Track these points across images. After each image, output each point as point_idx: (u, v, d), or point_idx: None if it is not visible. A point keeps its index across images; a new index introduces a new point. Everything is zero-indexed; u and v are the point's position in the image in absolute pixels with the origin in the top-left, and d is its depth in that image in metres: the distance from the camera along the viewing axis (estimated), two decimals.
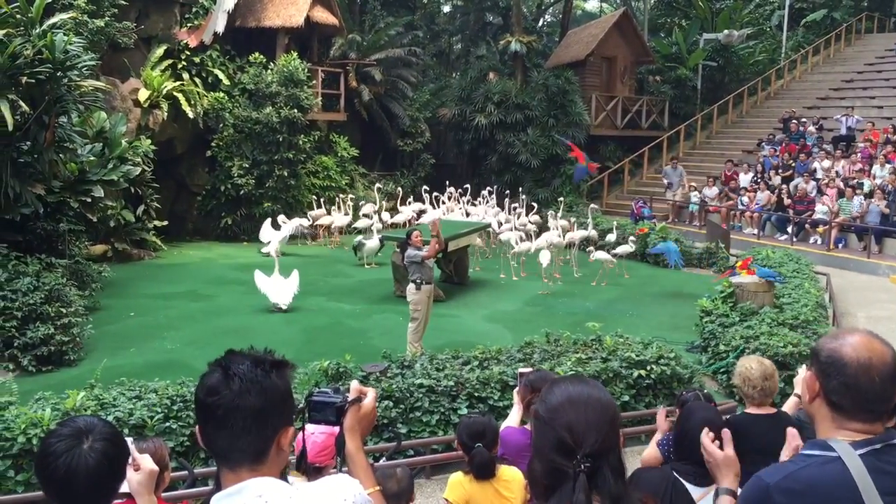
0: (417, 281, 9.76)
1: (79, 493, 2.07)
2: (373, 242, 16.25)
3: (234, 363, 1.76)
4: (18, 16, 10.94)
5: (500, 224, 18.29)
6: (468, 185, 21.01)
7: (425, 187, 20.91)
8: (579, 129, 23.75)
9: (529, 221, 18.02)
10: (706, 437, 2.54)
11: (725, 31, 27.15)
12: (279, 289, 12.72)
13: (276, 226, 17.49)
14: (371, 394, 2.13)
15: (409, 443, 6.88)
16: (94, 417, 2.26)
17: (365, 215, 19.04)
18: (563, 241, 16.26)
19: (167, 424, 6.44)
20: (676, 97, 26.98)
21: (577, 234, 17.02)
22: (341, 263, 17.01)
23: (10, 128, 10.04)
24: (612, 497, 1.75)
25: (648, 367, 8.14)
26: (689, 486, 3.03)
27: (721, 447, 2.49)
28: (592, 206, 19.05)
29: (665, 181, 22.35)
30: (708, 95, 27.43)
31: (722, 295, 11.36)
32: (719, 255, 17.03)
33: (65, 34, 11.27)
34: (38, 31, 10.81)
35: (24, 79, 10.37)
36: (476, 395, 7.50)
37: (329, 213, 19.80)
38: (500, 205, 20.39)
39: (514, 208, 18.84)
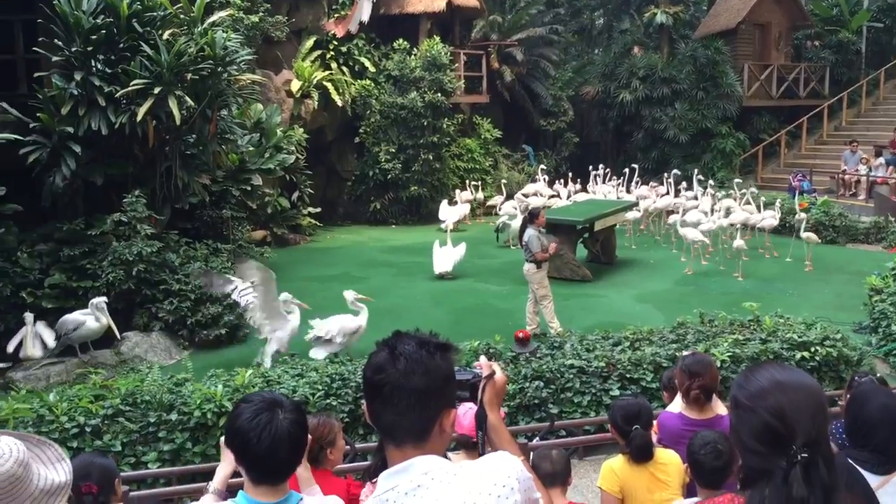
0: (541, 261, 9.80)
1: (280, 460, 2.22)
2: (518, 223, 16.21)
3: (401, 343, 1.81)
4: (182, 16, 11.65)
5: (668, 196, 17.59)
6: (596, 166, 20.23)
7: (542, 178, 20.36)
8: (730, 100, 22.74)
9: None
10: None
11: None
12: (439, 257, 13.70)
13: (452, 203, 18.72)
14: (498, 368, 2.16)
15: (561, 423, 6.86)
16: (272, 392, 2.40)
17: (525, 195, 18.90)
18: (774, 223, 15.20)
19: (328, 401, 6.74)
20: (838, 62, 25.16)
21: (766, 215, 15.43)
22: (486, 244, 17.12)
23: (178, 122, 10.70)
24: (826, 489, 1.66)
25: (813, 349, 7.73)
26: (865, 473, 2.86)
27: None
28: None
29: (843, 166, 20.68)
30: (873, 59, 25.45)
31: (894, 272, 10.60)
32: (889, 230, 15.91)
33: (223, 31, 11.91)
34: (199, 29, 11.47)
35: (189, 75, 11.02)
36: (628, 376, 7.40)
37: (474, 195, 19.96)
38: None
39: (705, 188, 17.75)
